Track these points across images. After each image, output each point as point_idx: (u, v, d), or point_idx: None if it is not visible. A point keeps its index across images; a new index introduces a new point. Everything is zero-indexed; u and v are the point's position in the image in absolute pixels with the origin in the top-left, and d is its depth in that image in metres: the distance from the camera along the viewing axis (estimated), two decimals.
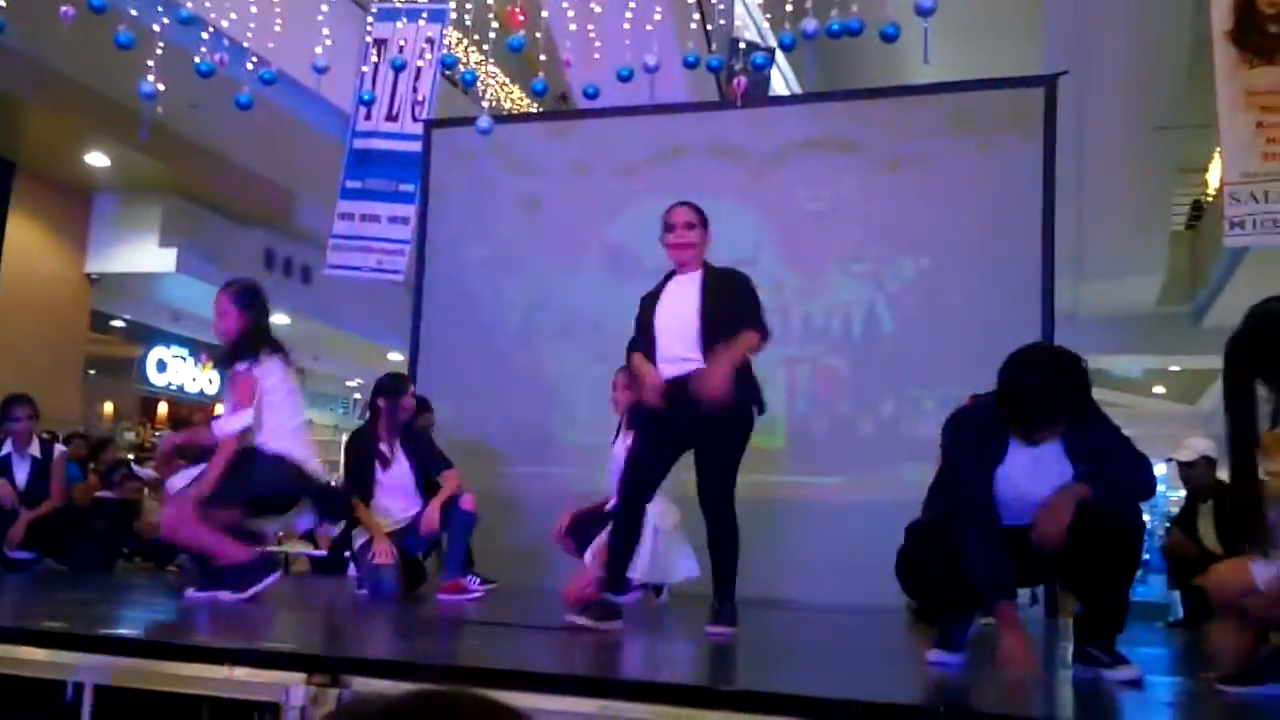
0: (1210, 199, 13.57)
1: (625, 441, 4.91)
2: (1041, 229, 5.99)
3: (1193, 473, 6.04)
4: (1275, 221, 5.33)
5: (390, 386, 5.47)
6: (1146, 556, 11.63)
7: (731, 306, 4.00)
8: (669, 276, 4.21)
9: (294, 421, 4.55)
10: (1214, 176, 12.60)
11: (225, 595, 4.37)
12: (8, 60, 7.89)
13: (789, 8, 5.55)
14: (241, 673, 2.61)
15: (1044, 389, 2.96)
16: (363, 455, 5.36)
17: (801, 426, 6.31)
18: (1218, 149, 6.59)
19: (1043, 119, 6.07)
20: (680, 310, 4.04)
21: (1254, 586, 2.81)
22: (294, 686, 2.51)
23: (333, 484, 4.54)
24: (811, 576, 5.71)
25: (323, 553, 7.73)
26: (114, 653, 2.77)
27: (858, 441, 6.20)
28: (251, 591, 4.37)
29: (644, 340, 4.10)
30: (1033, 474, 3.06)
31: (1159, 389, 18.55)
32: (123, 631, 3.02)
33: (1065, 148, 6.39)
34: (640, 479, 4.04)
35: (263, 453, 4.43)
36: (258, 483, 4.42)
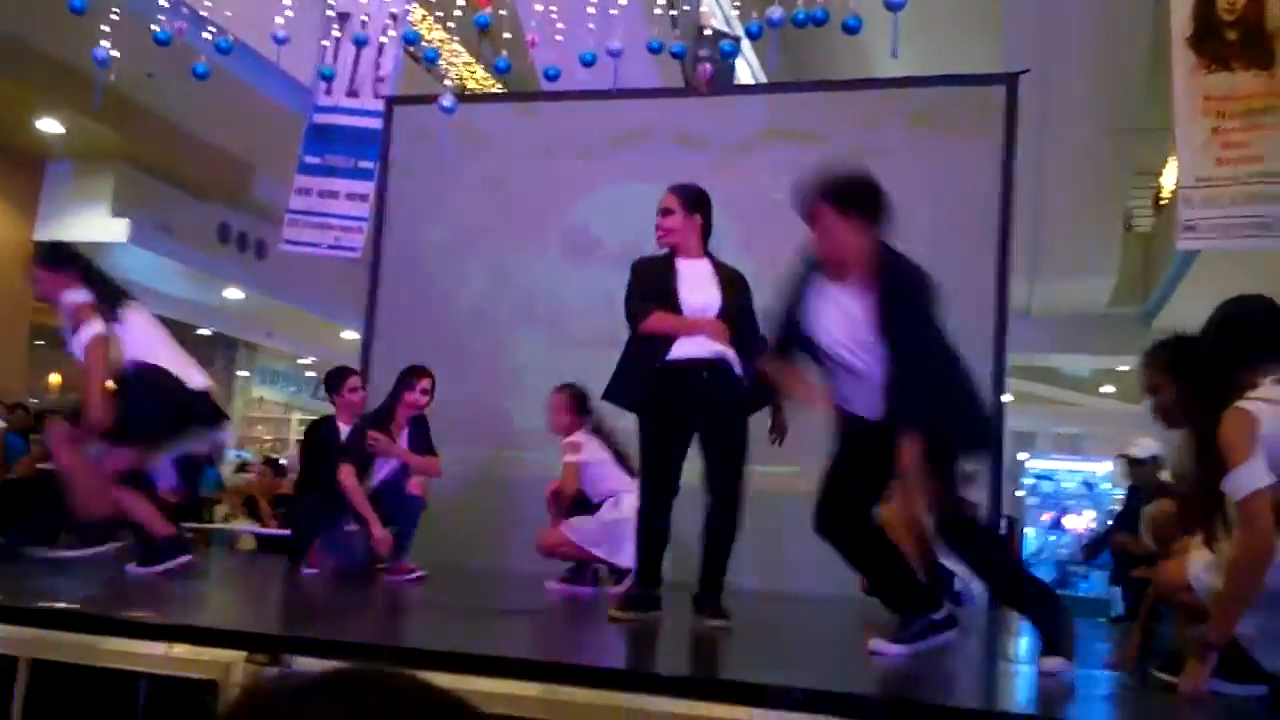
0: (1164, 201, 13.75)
1: (591, 453, 4.98)
2: (999, 226, 6.03)
3: (1142, 470, 6.13)
4: (1227, 226, 5.41)
5: (406, 374, 5.38)
6: (1082, 554, 11.80)
7: (748, 316, 4.10)
8: (672, 257, 4.18)
9: (155, 332, 4.47)
10: (1169, 179, 12.77)
11: (132, 567, 4.32)
12: None
13: None
14: (181, 650, 2.58)
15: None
16: (366, 438, 5.25)
17: (756, 415, 6.31)
18: (1173, 152, 6.68)
19: (1003, 117, 6.11)
20: (705, 302, 4.07)
21: (1188, 583, 2.87)
22: (233, 664, 2.48)
23: (209, 392, 4.47)
24: (764, 564, 5.72)
25: (271, 531, 7.65)
26: (51, 627, 2.72)
27: (812, 431, 6.18)
28: (160, 568, 4.31)
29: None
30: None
31: (1107, 388, 18.80)
32: (60, 605, 2.97)
33: (1024, 146, 6.43)
34: (665, 472, 4.02)
35: (134, 369, 4.35)
36: (142, 404, 4.31)
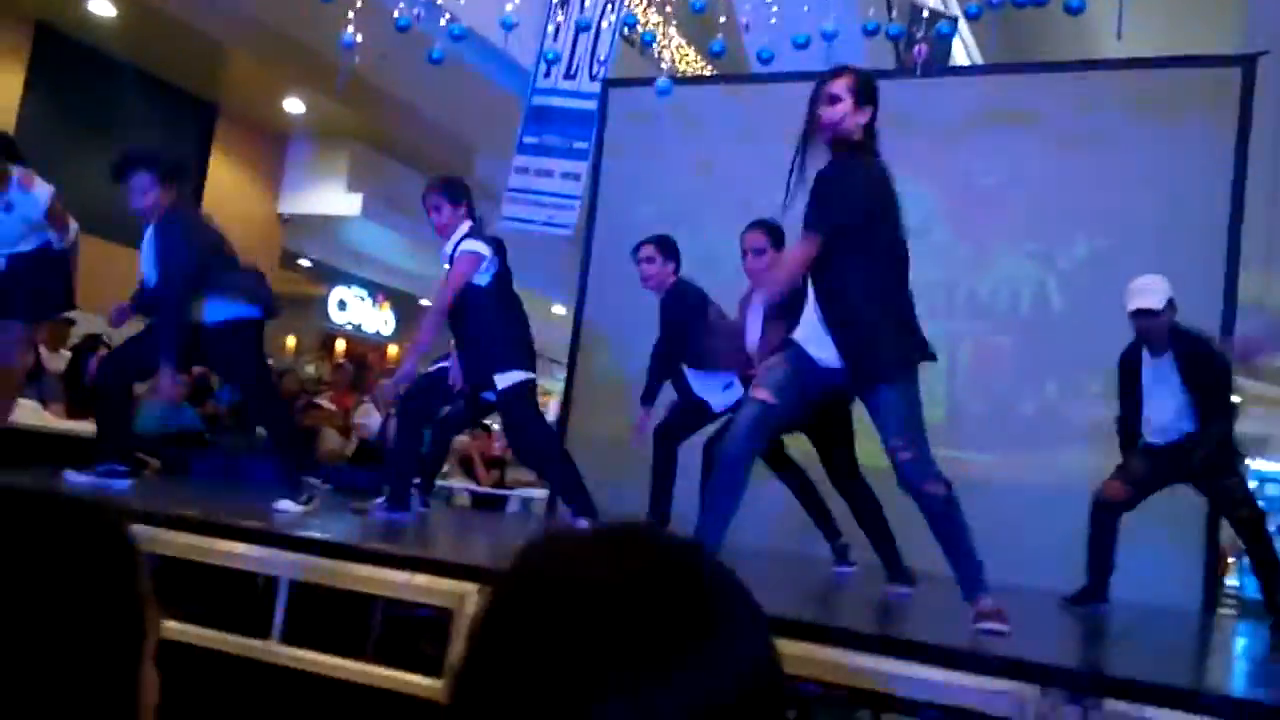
0: None
1: None
2: (1230, 216, 5.77)
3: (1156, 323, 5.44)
4: None
5: None
6: None
7: None
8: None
9: None
10: None
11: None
12: (214, 9, 8.43)
13: None
14: (421, 579, 2.85)
15: None
16: None
17: (961, 400, 6.27)
18: None
19: (1238, 101, 5.83)
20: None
21: None
22: (468, 595, 2.72)
23: None
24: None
25: (484, 489, 8.07)
26: (308, 552, 3.05)
27: (1018, 420, 6.12)
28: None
29: None
30: None
31: None
32: (315, 534, 3.29)
33: (1260, 130, 6.12)
34: None
35: None
36: None
